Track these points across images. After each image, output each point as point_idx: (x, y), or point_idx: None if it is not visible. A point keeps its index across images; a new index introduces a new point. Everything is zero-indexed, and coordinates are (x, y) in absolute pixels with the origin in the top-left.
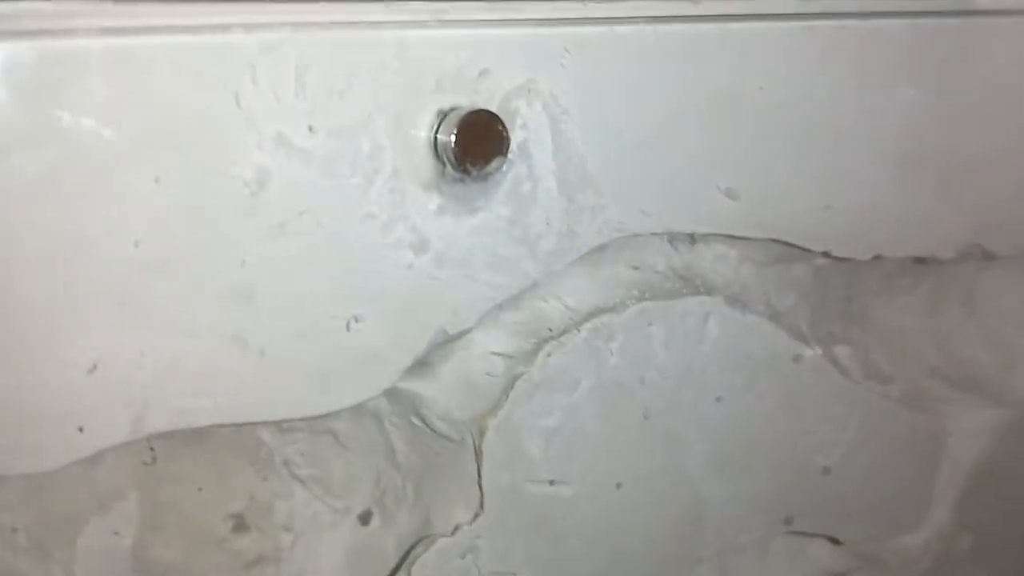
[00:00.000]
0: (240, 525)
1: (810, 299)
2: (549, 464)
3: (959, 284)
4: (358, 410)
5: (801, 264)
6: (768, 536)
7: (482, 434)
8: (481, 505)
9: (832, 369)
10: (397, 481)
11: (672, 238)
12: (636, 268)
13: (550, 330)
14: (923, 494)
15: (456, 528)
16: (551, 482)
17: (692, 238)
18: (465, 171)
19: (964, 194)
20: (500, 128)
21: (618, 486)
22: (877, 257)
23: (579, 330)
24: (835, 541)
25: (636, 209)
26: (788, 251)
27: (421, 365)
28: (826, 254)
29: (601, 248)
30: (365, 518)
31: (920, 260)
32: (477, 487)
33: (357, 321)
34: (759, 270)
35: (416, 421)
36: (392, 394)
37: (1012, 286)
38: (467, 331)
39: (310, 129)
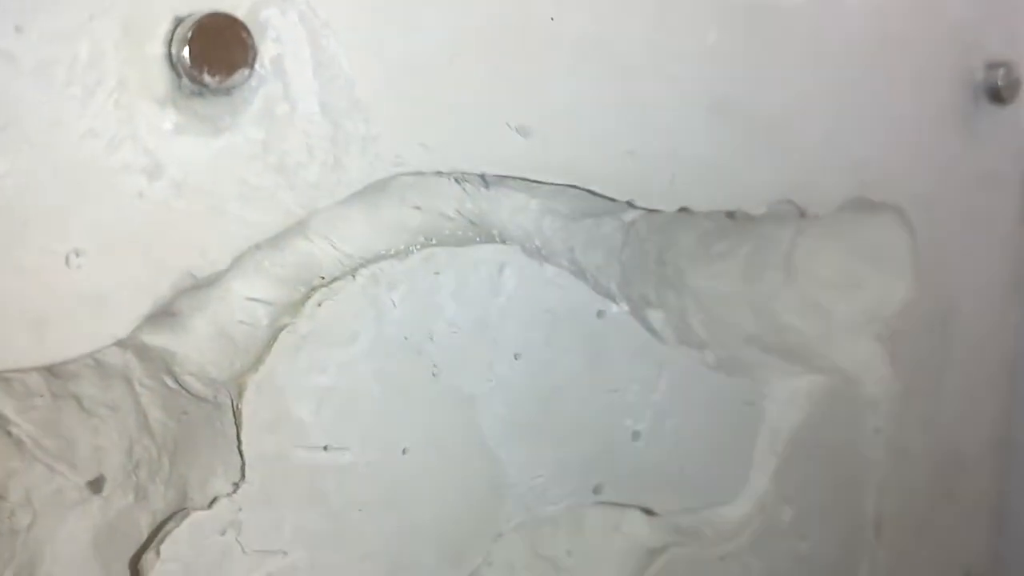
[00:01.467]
0: None
1: (620, 259)
2: (322, 428)
3: (777, 249)
4: (103, 370)
5: (610, 221)
6: (577, 506)
7: (241, 393)
8: (243, 474)
9: (639, 327)
10: (152, 451)
11: (461, 178)
12: (421, 210)
13: (322, 277)
14: (741, 463)
15: (214, 500)
16: (325, 447)
17: (484, 180)
18: (202, 83)
19: (773, 146)
20: (244, 35)
21: (404, 451)
22: (684, 210)
23: (355, 277)
24: (649, 512)
25: (415, 142)
26: (594, 204)
27: (169, 316)
28: (630, 203)
29: (380, 186)
30: (114, 494)
31: (731, 215)
32: (238, 454)
33: (78, 255)
34: (564, 224)
35: (169, 381)
36: (141, 351)
37: (828, 250)
38: (220, 275)
39: (17, 29)
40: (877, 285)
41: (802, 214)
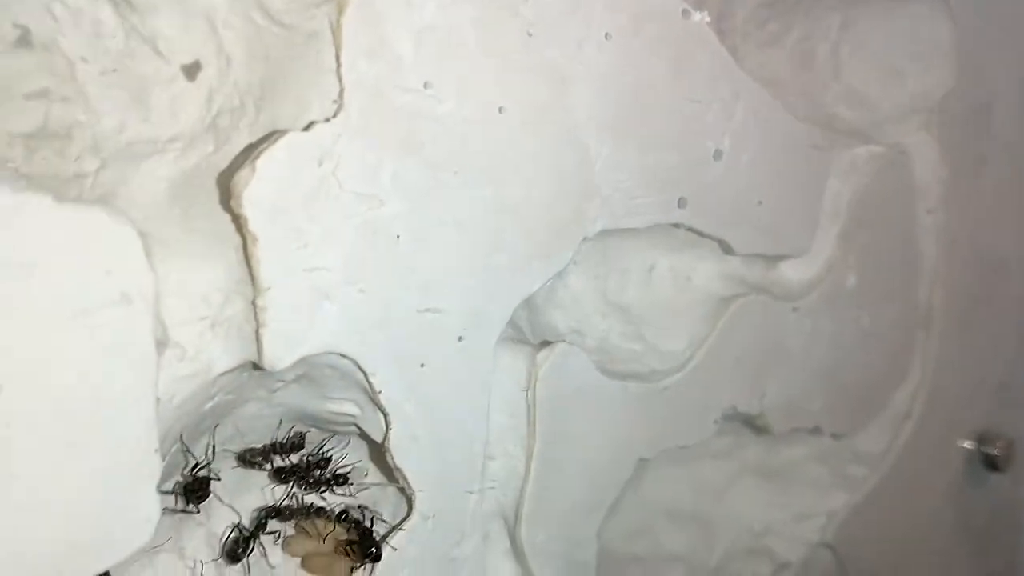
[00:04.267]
0: (25, 40)
1: None
2: (420, 68)
3: (825, 37)
4: (183, 6)
5: None
6: (660, 219)
7: (342, 10)
8: (341, 103)
9: (719, 44)
10: (234, 99)
11: None
12: None
13: None
14: (810, 213)
15: (311, 124)
16: (425, 84)
17: None
18: None
19: None
20: None
21: (500, 111)
22: None
23: None
24: (727, 249)
25: None
26: None
27: None
28: None
29: None
30: (192, 144)
31: None
32: (336, 79)
33: None
34: None
35: (258, 17)
36: None
37: (872, 42)
38: None
39: None
40: (920, 75)
41: None
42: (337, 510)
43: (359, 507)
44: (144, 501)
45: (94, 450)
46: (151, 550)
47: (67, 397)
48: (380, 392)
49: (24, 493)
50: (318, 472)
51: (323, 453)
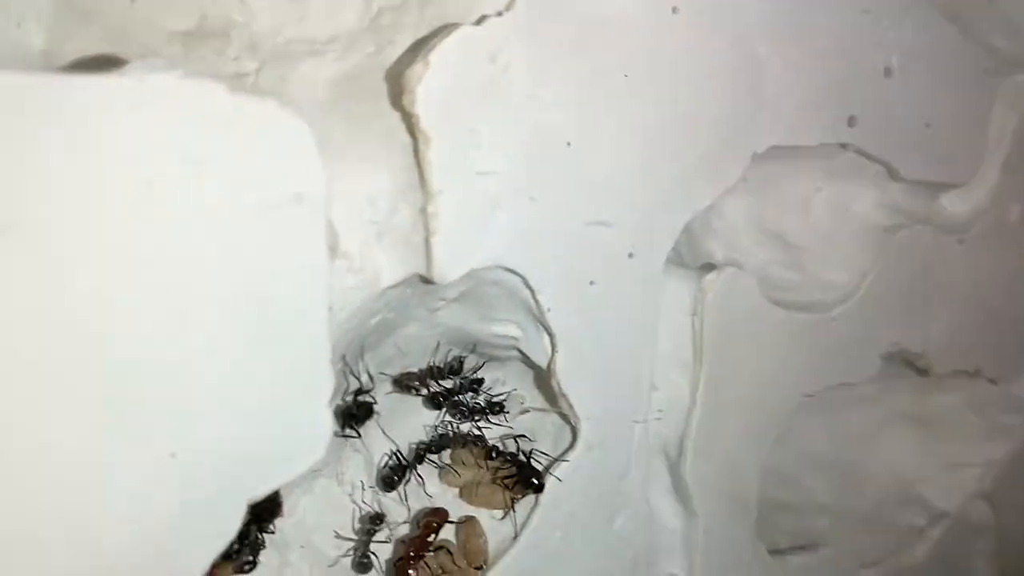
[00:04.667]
0: None
1: None
2: None
3: None
4: None
5: None
6: (829, 138)
7: None
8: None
9: None
10: None
11: None
12: None
13: None
14: (977, 141)
15: (483, 18)
16: None
17: None
18: None
19: None
20: None
21: (674, 10)
22: None
23: None
24: (893, 174)
25: None
26: None
27: None
28: None
29: None
30: (351, 47)
31: None
32: None
33: None
34: None
35: None
36: None
37: None
38: None
39: None
40: None
41: None
42: (494, 442)
43: (518, 437)
44: (317, 416)
45: (268, 358)
46: (311, 473)
47: (239, 301)
48: (548, 310)
49: (196, 402)
50: (473, 398)
51: (480, 379)
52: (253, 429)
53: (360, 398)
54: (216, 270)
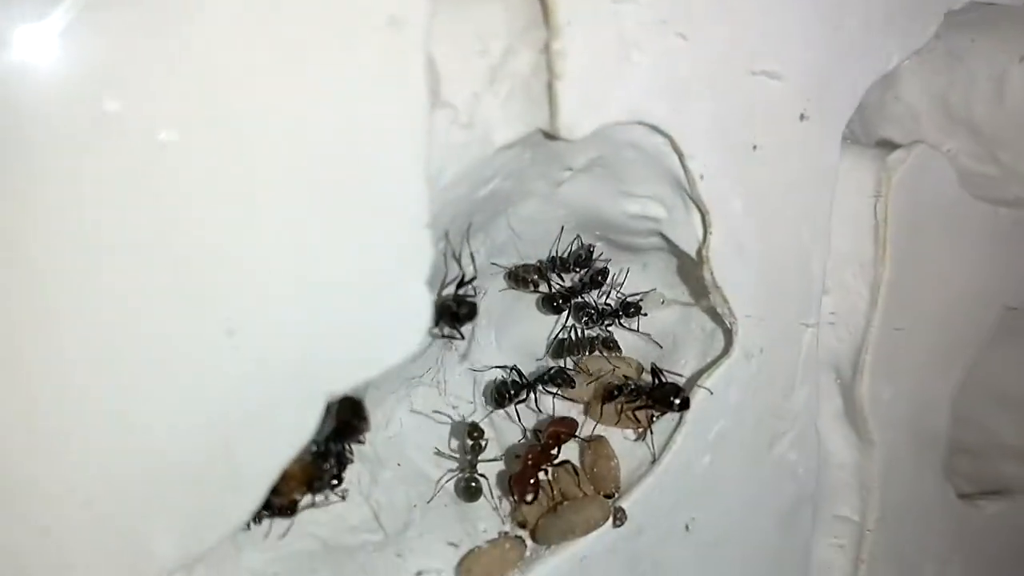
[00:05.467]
0: None
1: None
2: None
3: None
4: None
5: None
6: None
7: None
8: None
9: None
10: None
11: None
12: None
13: None
14: None
15: None
16: None
17: None
18: None
19: None
20: None
21: None
22: None
23: None
24: None
25: None
26: None
27: None
28: None
29: None
30: None
31: None
32: None
33: None
34: None
35: None
36: None
37: None
38: None
39: None
40: None
41: None
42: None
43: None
44: (411, 296)
45: (350, 222)
46: (409, 380)
47: (318, 149)
48: (700, 179)
49: (258, 273)
50: (600, 296)
51: (605, 268)
52: (332, 310)
53: (462, 291)
54: (292, 111)
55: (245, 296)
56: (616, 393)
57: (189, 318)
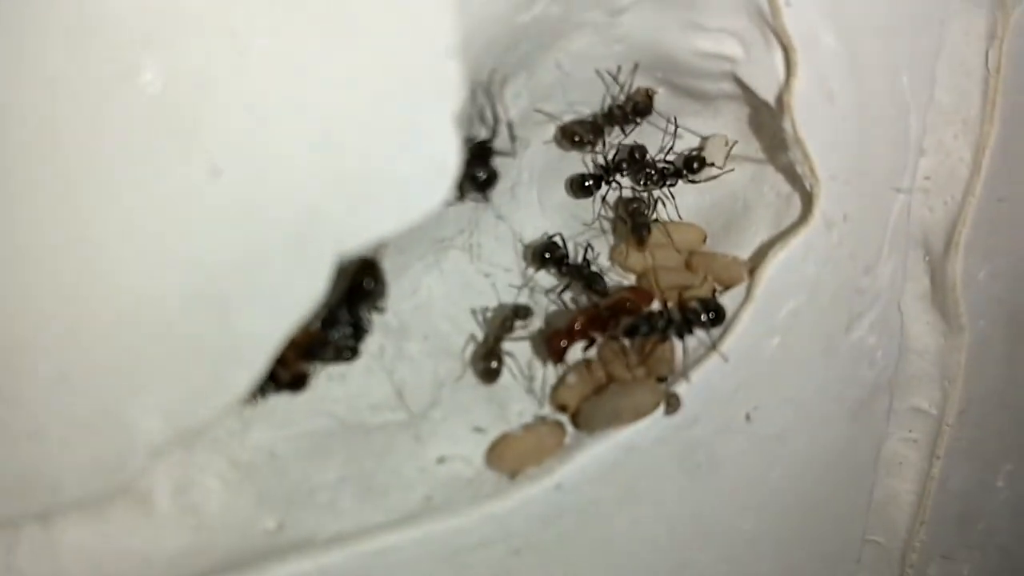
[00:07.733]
0: None
1: None
2: None
3: None
4: None
5: None
6: None
7: None
8: None
9: None
10: None
11: None
12: None
13: None
14: None
15: None
16: None
17: None
18: None
19: None
20: None
21: None
22: None
23: None
24: None
25: None
26: None
27: None
28: None
29: None
30: None
31: None
32: None
33: None
34: None
35: None
36: None
37: None
38: None
39: None
40: None
41: None
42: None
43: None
44: (436, 135)
45: (362, 22)
46: (439, 243)
47: None
48: (787, 5)
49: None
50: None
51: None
52: (338, 149)
53: (491, 144)
54: None
55: (232, 127)
56: (635, 330)
57: (164, 155)
